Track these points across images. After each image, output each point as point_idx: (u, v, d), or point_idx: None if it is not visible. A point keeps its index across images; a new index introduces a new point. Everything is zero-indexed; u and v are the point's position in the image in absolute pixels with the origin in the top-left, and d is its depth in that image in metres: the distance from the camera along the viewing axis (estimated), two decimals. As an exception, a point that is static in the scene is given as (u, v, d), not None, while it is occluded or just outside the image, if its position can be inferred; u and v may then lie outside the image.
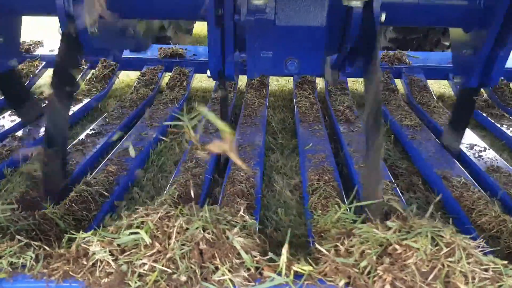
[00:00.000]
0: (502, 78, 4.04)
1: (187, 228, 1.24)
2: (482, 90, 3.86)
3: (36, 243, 1.29)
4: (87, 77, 4.17)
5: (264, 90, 4.03)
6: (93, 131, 2.99)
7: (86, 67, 4.31)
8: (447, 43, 5.74)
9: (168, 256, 1.17)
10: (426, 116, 3.49)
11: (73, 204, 1.98)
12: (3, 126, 3.04)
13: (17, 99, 3.03)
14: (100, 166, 2.50)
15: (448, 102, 4.14)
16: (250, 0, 2.13)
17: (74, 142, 2.80)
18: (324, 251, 1.31)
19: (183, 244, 1.20)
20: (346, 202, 2.11)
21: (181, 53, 4.52)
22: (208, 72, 2.55)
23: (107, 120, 3.23)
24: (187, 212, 1.32)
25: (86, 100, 3.65)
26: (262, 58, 2.34)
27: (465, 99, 2.67)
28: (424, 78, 4.25)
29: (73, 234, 1.30)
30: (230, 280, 1.15)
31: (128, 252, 1.19)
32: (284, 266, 1.20)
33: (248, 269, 1.20)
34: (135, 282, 1.12)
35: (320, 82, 4.42)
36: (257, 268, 1.21)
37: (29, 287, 1.15)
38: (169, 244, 1.20)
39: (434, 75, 4.39)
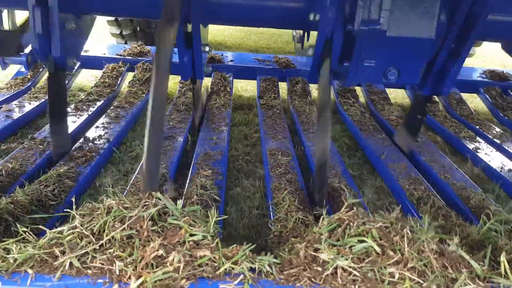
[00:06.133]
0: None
1: (412, 238, 1.25)
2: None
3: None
4: (129, 80, 4.09)
5: (308, 97, 4.07)
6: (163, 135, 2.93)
7: (124, 69, 4.21)
8: None
9: (409, 265, 1.17)
10: (475, 129, 3.59)
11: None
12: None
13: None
14: (190, 170, 2.46)
15: (488, 117, 4.27)
16: (365, 13, 2.19)
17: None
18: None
19: (417, 254, 1.21)
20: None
21: (219, 58, 4.50)
22: None
23: (171, 123, 3.17)
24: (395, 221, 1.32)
25: (139, 103, 3.57)
26: (365, 67, 2.38)
27: None
28: (458, 90, 4.40)
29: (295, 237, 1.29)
30: (474, 288, 1.17)
31: (367, 260, 1.18)
32: (508, 271, 1.23)
33: (478, 277, 1.22)
34: (389, 290, 1.12)
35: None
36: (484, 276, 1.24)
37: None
38: (402, 254, 1.20)
39: (465, 89, 4.55)
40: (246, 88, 4.78)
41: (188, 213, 1.26)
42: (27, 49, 4.00)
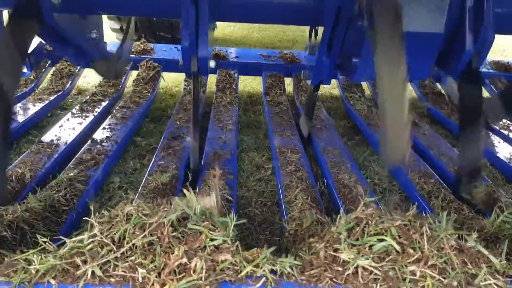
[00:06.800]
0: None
1: (431, 235, 1.25)
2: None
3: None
4: (132, 78, 4.08)
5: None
6: (171, 135, 2.93)
7: (128, 68, 4.20)
8: None
9: (430, 263, 1.17)
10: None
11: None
12: (74, 129, 2.93)
13: None
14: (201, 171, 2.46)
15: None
16: None
17: (161, 145, 2.73)
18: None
19: (437, 251, 1.20)
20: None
21: (224, 55, 4.48)
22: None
23: (178, 123, 3.16)
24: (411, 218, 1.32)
25: (144, 102, 3.57)
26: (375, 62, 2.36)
27: None
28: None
29: (316, 240, 1.28)
30: (495, 284, 1.16)
31: (388, 259, 1.18)
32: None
33: (497, 272, 1.22)
34: (411, 288, 1.12)
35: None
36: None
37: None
38: (422, 251, 1.20)
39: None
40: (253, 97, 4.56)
41: (206, 218, 1.25)
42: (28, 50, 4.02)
